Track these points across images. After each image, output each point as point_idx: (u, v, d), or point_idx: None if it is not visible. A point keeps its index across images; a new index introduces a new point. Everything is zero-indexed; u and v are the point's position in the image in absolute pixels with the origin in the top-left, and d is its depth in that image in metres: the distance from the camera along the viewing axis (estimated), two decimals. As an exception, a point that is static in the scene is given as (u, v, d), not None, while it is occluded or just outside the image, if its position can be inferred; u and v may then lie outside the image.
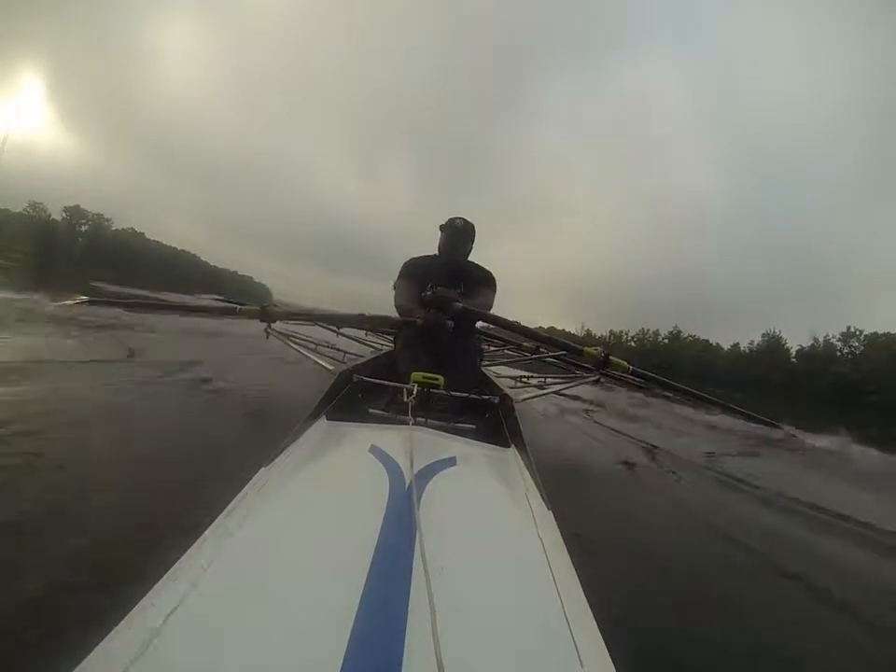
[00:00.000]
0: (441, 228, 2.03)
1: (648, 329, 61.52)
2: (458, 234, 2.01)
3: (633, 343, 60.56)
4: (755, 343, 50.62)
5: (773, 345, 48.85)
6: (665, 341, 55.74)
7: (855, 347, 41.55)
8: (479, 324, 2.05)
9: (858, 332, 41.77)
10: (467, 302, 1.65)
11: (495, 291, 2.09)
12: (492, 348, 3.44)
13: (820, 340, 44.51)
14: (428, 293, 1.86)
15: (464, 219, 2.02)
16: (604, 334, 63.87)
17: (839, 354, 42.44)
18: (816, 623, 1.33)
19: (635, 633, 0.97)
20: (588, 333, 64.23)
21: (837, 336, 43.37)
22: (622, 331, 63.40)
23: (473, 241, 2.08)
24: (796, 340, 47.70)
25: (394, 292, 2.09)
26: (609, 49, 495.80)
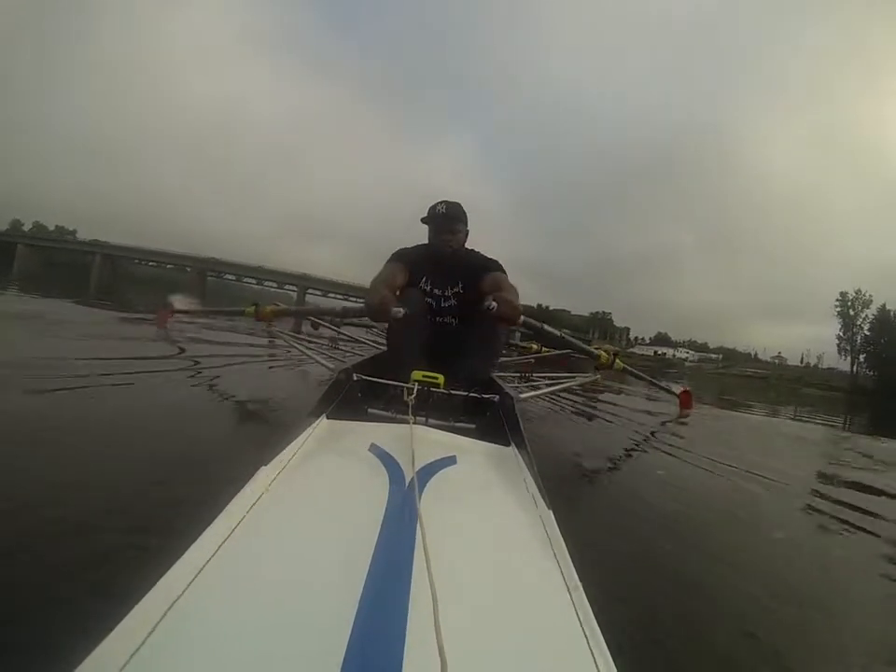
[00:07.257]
0: (424, 220, 1.77)
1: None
2: (445, 221, 1.74)
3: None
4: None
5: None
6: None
7: None
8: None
9: None
10: (504, 298, 1.28)
11: (506, 275, 1.74)
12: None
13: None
14: (426, 287, 1.78)
15: (446, 202, 1.74)
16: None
17: None
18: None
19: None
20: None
21: None
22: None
23: (466, 222, 1.79)
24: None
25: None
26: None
